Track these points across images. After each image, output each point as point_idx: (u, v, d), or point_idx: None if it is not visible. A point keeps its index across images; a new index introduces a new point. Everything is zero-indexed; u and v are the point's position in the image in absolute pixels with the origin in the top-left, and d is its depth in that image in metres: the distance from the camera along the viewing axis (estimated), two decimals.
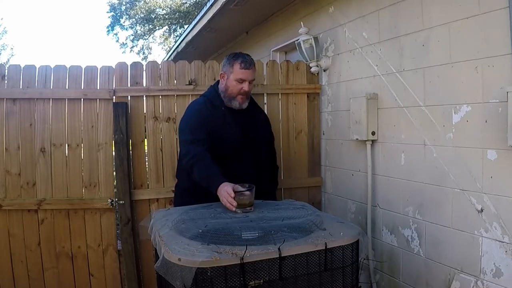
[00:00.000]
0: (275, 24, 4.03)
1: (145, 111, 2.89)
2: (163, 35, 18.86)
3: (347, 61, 2.83)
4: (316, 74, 3.19)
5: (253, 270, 1.46)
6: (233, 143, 2.30)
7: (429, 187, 2.17)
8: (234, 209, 1.88)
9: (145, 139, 2.91)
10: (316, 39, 3.01)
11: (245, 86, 2.25)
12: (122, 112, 2.75)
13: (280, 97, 3.13)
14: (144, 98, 2.88)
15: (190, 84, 2.93)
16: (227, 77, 2.28)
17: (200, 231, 1.61)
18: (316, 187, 3.22)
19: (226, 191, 1.91)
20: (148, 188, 2.88)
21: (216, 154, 2.18)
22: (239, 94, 2.27)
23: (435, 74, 2.10)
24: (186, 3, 17.21)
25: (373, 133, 2.53)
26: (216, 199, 2.01)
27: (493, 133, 1.78)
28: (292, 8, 3.57)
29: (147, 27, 18.22)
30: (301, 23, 3.04)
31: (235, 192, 1.91)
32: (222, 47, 5.92)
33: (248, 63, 2.25)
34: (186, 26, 9.57)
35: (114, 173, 2.81)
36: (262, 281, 1.48)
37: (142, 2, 17.61)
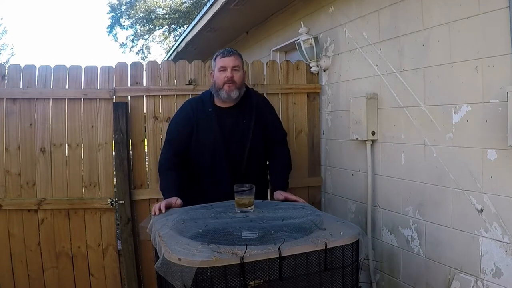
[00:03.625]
0: (275, 24, 4.03)
1: (145, 111, 2.89)
2: (163, 34, 18.87)
3: (347, 61, 2.83)
4: (316, 74, 3.19)
5: (253, 270, 1.46)
6: (209, 145, 2.30)
7: (429, 187, 2.17)
8: (153, 212, 2.02)
9: (145, 139, 2.91)
10: (316, 39, 3.01)
11: (228, 73, 2.25)
12: (122, 112, 2.75)
13: (280, 97, 3.13)
14: (144, 98, 2.88)
15: (190, 84, 2.93)
16: (214, 73, 2.33)
17: (200, 231, 1.61)
18: (316, 187, 3.22)
19: (160, 203, 2.07)
20: (148, 188, 2.88)
21: (195, 154, 2.32)
22: (225, 83, 2.26)
23: (435, 74, 2.10)
24: (185, 2, 17.21)
25: (373, 133, 2.54)
26: (216, 197, 2.13)
27: (493, 133, 1.78)
28: (292, 8, 3.57)
29: (147, 27, 18.23)
30: (301, 23, 3.04)
31: (235, 192, 1.92)
32: (222, 47, 5.90)
33: (227, 51, 2.30)
34: (186, 26, 9.57)
35: (114, 173, 2.81)
36: (262, 281, 1.48)
37: (142, 2, 17.62)
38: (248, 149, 2.32)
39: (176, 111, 2.50)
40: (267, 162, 2.50)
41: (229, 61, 2.27)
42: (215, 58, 2.33)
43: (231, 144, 2.31)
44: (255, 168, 2.36)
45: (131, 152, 2.85)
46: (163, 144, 2.48)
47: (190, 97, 2.87)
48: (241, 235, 1.58)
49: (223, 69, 2.27)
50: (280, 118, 3.11)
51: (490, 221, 1.82)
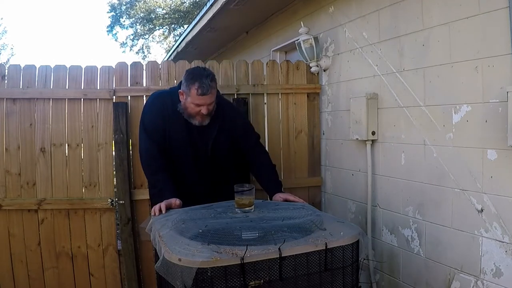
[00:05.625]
0: (275, 24, 4.03)
1: None
2: (163, 34, 18.88)
3: (347, 61, 2.83)
4: (316, 74, 3.19)
5: (253, 270, 1.46)
6: (178, 146, 2.27)
7: (429, 187, 2.17)
8: (153, 213, 2.00)
9: None
10: (316, 39, 3.01)
11: (203, 110, 2.15)
12: (122, 112, 2.75)
13: (280, 97, 3.13)
14: (144, 98, 2.88)
15: None
16: (185, 98, 2.17)
17: (200, 231, 1.61)
18: (316, 187, 3.23)
19: (160, 204, 2.02)
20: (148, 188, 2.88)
21: (168, 150, 2.27)
22: (198, 115, 2.20)
23: (435, 74, 2.10)
24: (185, 2, 17.21)
25: (373, 133, 2.54)
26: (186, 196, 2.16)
27: (493, 133, 1.78)
28: (292, 8, 3.57)
29: (147, 27, 18.23)
30: (301, 23, 3.04)
31: (235, 192, 1.92)
32: (222, 47, 5.92)
33: (206, 88, 2.10)
34: (186, 26, 9.56)
35: (114, 173, 2.81)
36: (262, 281, 1.48)
37: (142, 1, 17.62)
38: (210, 156, 2.30)
39: (146, 105, 2.39)
40: (250, 168, 2.49)
41: (205, 100, 2.13)
42: (189, 87, 2.13)
43: (197, 146, 2.30)
44: (223, 173, 2.36)
45: (131, 152, 2.85)
46: (139, 138, 2.34)
47: None
48: (241, 235, 1.58)
49: (199, 106, 2.15)
50: (280, 118, 3.12)
51: (490, 221, 1.82)
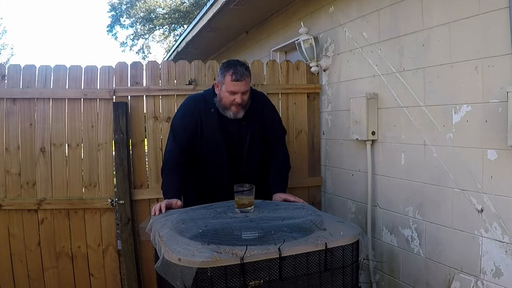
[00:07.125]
0: (275, 24, 4.03)
1: (145, 111, 2.89)
2: (163, 34, 18.90)
3: (347, 61, 2.83)
4: (316, 74, 3.19)
5: (253, 270, 1.46)
6: (211, 146, 2.28)
7: (429, 187, 2.17)
8: (153, 213, 2.01)
9: (145, 139, 2.91)
10: (316, 39, 3.01)
11: (237, 98, 2.17)
12: (122, 112, 2.75)
13: (280, 97, 3.13)
14: (144, 98, 2.88)
15: (190, 84, 2.93)
16: (220, 87, 2.22)
17: (200, 231, 1.61)
18: (316, 187, 3.23)
19: (161, 203, 2.05)
20: (148, 188, 2.88)
21: (199, 151, 2.28)
22: (233, 105, 2.21)
23: (435, 74, 2.10)
24: (185, 2, 17.22)
25: (373, 133, 2.54)
26: (216, 195, 2.16)
27: (493, 133, 1.78)
28: (292, 8, 3.57)
29: (147, 27, 18.25)
30: (301, 23, 3.04)
31: (235, 192, 1.92)
32: (222, 47, 5.92)
33: (240, 74, 2.14)
34: (186, 26, 9.57)
35: (114, 173, 2.81)
36: (262, 281, 1.48)
37: (142, 1, 17.64)
38: (246, 151, 2.31)
39: (179, 107, 2.42)
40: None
41: (239, 87, 2.15)
42: (224, 74, 2.18)
43: (231, 144, 2.30)
44: (255, 168, 2.35)
45: (131, 152, 2.85)
46: (167, 140, 2.39)
47: None
48: (241, 235, 1.58)
49: (233, 93, 2.16)
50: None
51: (490, 221, 1.82)
